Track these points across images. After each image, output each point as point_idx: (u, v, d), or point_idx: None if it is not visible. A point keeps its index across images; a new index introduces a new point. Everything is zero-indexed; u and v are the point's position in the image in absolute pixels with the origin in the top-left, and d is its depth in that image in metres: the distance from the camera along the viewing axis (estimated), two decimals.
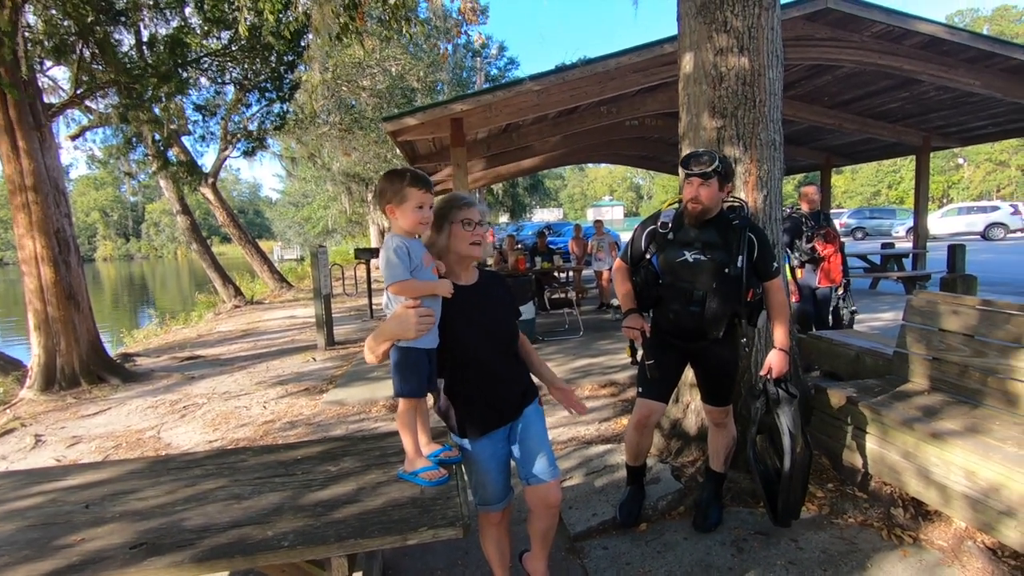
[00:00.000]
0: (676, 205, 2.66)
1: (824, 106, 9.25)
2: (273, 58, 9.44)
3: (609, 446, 3.72)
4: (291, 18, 5.58)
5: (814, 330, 4.68)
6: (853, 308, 5.21)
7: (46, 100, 7.17)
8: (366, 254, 10.23)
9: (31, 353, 6.22)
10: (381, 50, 12.49)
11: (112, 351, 8.63)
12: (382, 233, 25.85)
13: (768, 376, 2.54)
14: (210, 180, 14.50)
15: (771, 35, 3.04)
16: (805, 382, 3.50)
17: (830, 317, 5.17)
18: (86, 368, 6.20)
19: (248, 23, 4.99)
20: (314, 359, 7.07)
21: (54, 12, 6.38)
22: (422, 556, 2.60)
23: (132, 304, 25.29)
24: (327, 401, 5.11)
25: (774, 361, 2.51)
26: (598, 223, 9.66)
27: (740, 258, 2.45)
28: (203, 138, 9.76)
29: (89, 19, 6.36)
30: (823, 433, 3.17)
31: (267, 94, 9.91)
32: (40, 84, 6.98)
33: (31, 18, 6.84)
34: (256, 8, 5.14)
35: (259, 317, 11.81)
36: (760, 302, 2.56)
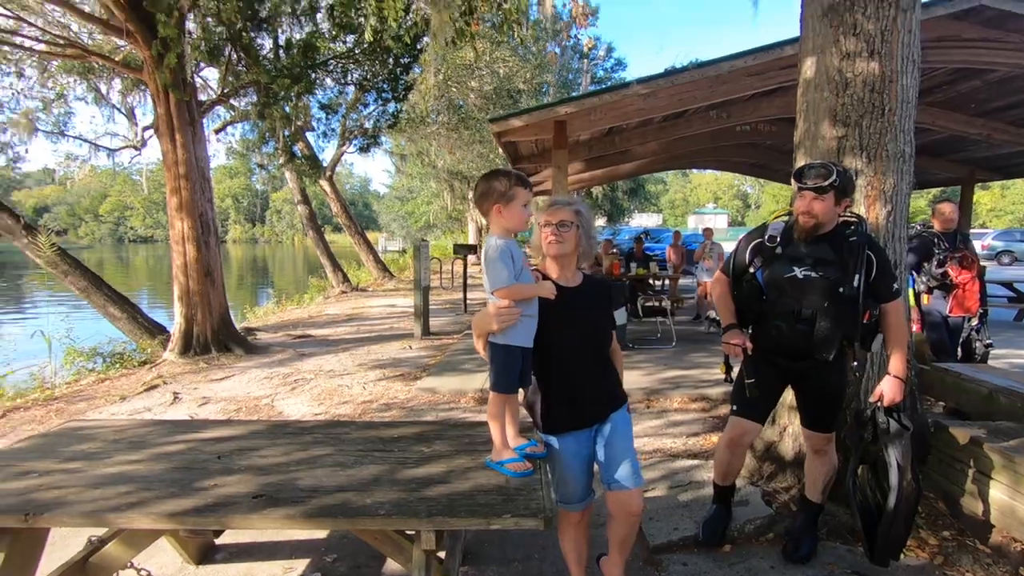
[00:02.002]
0: (786, 217, 2.55)
1: (969, 114, 8.29)
2: (391, 60, 10.02)
3: (696, 461, 3.61)
4: (411, 23, 5.91)
5: (951, 360, 4.25)
6: (988, 342, 4.64)
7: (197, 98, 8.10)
8: (464, 250, 10.59)
9: (174, 321, 7.08)
10: (491, 52, 12.82)
11: (237, 324, 9.63)
12: (480, 230, 26.51)
13: (879, 404, 2.37)
14: (328, 173, 15.65)
15: (907, 38, 2.81)
16: (924, 417, 3.20)
17: (959, 349, 4.66)
18: (216, 338, 6.96)
19: (372, 28, 5.36)
20: (410, 347, 7.44)
21: (210, 20, 7.21)
22: (500, 545, 2.69)
23: (254, 283, 27.90)
24: (420, 388, 5.38)
25: (887, 388, 2.33)
26: (707, 231, 9.28)
27: (857, 277, 2.29)
28: (324, 135, 10.60)
29: (238, 26, 7.13)
30: (941, 475, 2.89)
31: (383, 94, 10.53)
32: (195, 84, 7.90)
33: (190, 25, 7.78)
34: (380, 14, 5.50)
35: (363, 303, 12.59)
36: (876, 325, 2.40)
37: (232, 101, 9.17)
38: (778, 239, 2.46)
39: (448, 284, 15.43)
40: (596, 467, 2.13)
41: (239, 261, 45.61)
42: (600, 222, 32.18)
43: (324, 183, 15.79)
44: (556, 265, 2.06)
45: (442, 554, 2.11)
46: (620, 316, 6.77)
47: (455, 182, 22.37)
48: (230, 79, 7.83)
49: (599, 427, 2.09)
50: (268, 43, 9.47)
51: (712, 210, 60.99)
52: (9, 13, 6.89)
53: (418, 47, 10.24)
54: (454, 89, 13.04)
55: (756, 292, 2.51)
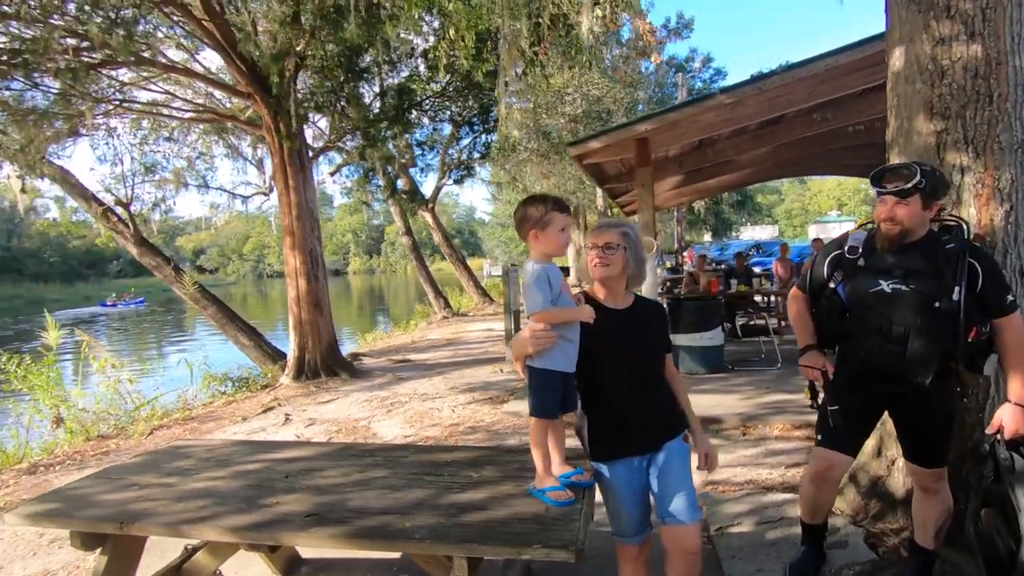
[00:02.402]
0: (870, 226, 2.31)
1: None
2: (482, 95, 10.48)
3: (791, 495, 3.29)
4: (485, 59, 6.21)
5: None
6: None
7: (309, 143, 8.97)
8: None
9: (289, 348, 7.78)
10: (580, 76, 12.92)
11: (348, 350, 10.40)
12: (578, 252, 26.46)
13: (999, 437, 2.03)
14: (429, 205, 16.52)
15: (1017, 13, 2.45)
16: None
17: None
18: (324, 363, 7.55)
19: (445, 67, 5.68)
20: (501, 370, 7.55)
21: (317, 76, 8.01)
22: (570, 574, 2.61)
23: (369, 310, 29.95)
24: (506, 411, 5.43)
25: (1007, 418, 1.99)
26: (816, 242, 8.58)
27: (956, 289, 2.01)
28: (422, 169, 11.23)
29: (341, 79, 7.85)
30: None
31: (475, 127, 11.03)
32: (305, 132, 8.76)
33: (305, 82, 8.67)
34: (451, 54, 5.84)
35: (462, 328, 13.01)
36: (988, 343, 2.07)
37: (340, 144, 10.04)
38: (859, 250, 2.23)
39: None
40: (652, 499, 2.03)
41: (358, 291, 49.22)
42: (707, 237, 30.82)
43: (426, 214, 16.66)
44: (603, 288, 2.03)
45: None
46: (715, 336, 6.42)
47: None
48: (335, 126, 8.62)
49: (652, 456, 1.99)
50: (370, 91, 10.31)
51: (836, 218, 55.63)
52: (159, 89, 8.13)
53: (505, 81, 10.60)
54: (545, 116, 13.25)
55: (837, 309, 2.27)
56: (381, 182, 10.43)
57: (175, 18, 7.26)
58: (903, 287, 2.10)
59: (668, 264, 19.35)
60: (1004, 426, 1.99)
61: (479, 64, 6.30)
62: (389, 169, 11.86)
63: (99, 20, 5.61)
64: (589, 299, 2.03)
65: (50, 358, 6.82)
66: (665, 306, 7.09)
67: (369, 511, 1.79)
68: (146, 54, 6.60)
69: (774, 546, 2.73)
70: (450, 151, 12.89)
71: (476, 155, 11.33)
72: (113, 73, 7.38)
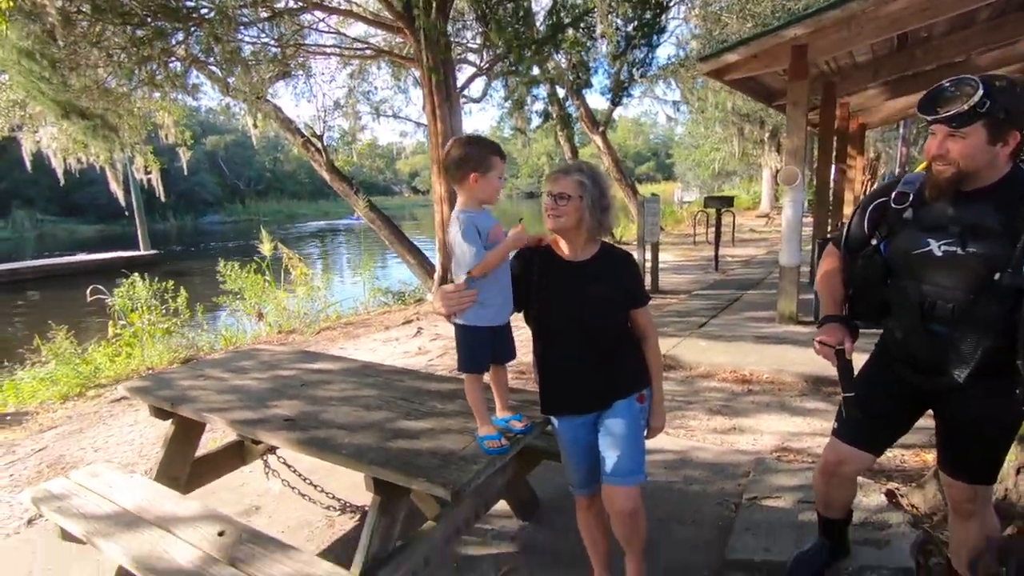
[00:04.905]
0: None
1: None
2: (645, 6, 9.61)
3: (869, 480, 2.82)
4: None
5: None
6: None
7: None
8: (717, 203, 9.72)
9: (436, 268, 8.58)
10: None
11: None
12: (774, 176, 23.44)
13: None
14: (600, 129, 16.01)
15: None
16: None
17: None
18: None
19: None
20: None
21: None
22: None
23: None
24: None
25: None
26: None
27: None
28: (578, 90, 10.85)
29: (486, 4, 7.84)
30: None
31: (636, 43, 10.20)
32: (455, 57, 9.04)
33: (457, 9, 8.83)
34: None
35: None
36: None
37: (491, 71, 10.17)
38: (910, 197, 1.73)
39: (728, 240, 14.19)
40: None
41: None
42: None
43: (597, 138, 16.20)
44: (561, 238, 1.93)
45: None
46: None
47: (745, 125, 20.21)
48: (484, 53, 8.73)
49: (601, 414, 1.93)
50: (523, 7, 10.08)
51: None
52: (327, 29, 9.03)
53: None
54: (729, 22, 11.63)
55: (877, 273, 1.83)
56: (527, 108, 10.39)
57: None
58: (958, 250, 1.61)
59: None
60: None
61: None
62: (535, 92, 11.64)
63: None
64: (545, 250, 1.95)
65: (264, 265, 8.54)
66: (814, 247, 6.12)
67: (330, 424, 2.07)
68: None
69: (799, 528, 2.43)
70: (612, 69, 12.16)
71: (636, 73, 10.53)
72: (294, 20, 8.38)
